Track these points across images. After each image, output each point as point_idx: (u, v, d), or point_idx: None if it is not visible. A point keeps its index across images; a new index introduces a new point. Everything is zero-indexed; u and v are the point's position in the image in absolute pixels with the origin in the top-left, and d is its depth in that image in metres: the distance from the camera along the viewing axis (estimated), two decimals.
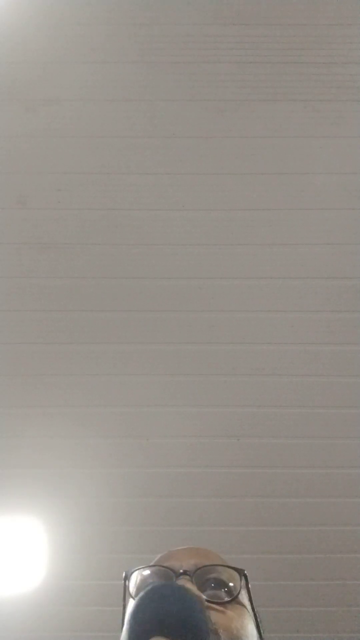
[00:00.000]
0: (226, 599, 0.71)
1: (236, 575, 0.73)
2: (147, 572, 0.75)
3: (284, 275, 2.36)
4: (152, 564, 0.76)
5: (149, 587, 0.64)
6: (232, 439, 2.50)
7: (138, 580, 0.74)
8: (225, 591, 0.72)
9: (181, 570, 0.71)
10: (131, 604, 0.67)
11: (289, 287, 2.37)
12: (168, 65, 2.25)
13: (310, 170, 2.30)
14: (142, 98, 2.27)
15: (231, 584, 0.73)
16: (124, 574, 0.75)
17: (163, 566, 0.74)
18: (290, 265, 2.36)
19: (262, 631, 0.75)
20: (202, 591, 0.70)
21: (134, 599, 0.69)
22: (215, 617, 0.67)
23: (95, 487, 2.52)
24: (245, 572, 0.74)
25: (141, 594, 0.63)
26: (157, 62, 2.25)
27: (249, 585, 0.75)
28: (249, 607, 0.73)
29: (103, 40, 2.24)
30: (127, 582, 0.74)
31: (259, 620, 0.74)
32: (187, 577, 0.71)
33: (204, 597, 0.68)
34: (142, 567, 0.75)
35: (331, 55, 2.21)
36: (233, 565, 0.75)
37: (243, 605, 0.72)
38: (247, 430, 2.49)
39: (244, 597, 0.74)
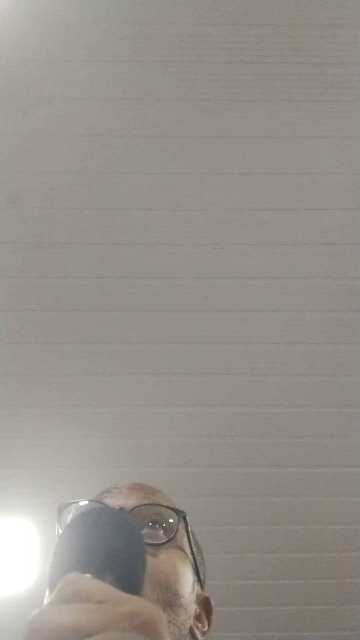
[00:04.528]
0: (163, 540, 0.68)
1: (177, 517, 0.70)
2: (82, 506, 0.71)
3: (280, 275, 2.37)
4: (89, 498, 0.72)
5: (78, 514, 0.59)
6: (226, 438, 2.50)
7: (71, 516, 0.70)
8: (164, 533, 0.69)
9: (117, 508, 0.68)
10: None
11: (286, 286, 2.38)
12: (162, 64, 2.24)
13: (308, 171, 2.30)
14: (135, 97, 2.27)
15: (172, 525, 0.70)
16: (57, 508, 0.71)
17: (99, 502, 0.71)
18: (286, 265, 2.36)
19: (202, 577, 0.73)
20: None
21: None
22: (148, 559, 0.63)
23: (88, 487, 2.49)
24: (186, 514, 0.71)
25: (70, 521, 0.58)
26: (150, 61, 2.24)
27: (190, 529, 0.73)
28: (188, 551, 0.71)
29: (96, 39, 2.23)
30: (60, 516, 0.70)
31: (198, 565, 0.72)
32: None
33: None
34: (78, 501, 0.71)
35: (329, 56, 2.22)
36: (175, 507, 0.72)
37: (182, 549, 0.70)
38: (241, 430, 2.50)
39: (183, 541, 0.71)
